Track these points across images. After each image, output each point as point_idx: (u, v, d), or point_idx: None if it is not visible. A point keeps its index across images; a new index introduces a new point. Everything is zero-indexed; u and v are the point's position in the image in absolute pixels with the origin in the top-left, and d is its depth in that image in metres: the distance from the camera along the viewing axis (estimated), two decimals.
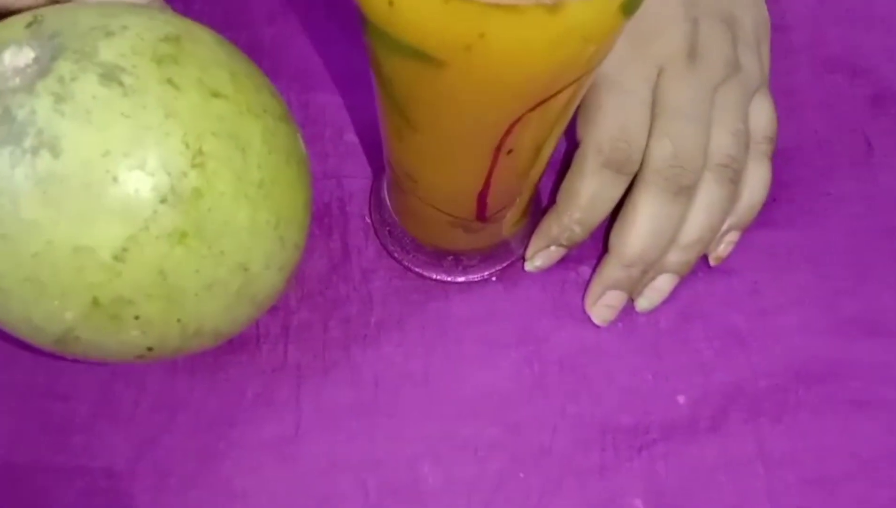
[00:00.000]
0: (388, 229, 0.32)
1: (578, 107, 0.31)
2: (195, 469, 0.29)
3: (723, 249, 0.32)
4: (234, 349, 0.30)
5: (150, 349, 0.25)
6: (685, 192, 0.30)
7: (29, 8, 0.25)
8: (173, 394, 0.30)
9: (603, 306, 0.31)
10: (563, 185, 0.30)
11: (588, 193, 0.30)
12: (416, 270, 0.32)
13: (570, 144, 0.34)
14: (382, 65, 0.22)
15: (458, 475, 0.29)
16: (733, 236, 0.32)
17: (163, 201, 0.22)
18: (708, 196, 0.30)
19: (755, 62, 0.33)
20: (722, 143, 0.31)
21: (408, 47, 0.19)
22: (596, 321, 0.31)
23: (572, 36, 0.18)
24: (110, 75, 0.22)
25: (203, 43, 0.24)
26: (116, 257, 0.22)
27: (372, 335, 0.31)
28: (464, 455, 0.30)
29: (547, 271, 0.32)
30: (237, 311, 0.25)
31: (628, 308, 0.32)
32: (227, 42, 0.26)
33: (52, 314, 0.23)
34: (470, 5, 0.17)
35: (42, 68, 0.22)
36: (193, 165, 0.22)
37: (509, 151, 0.23)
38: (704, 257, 0.33)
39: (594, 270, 0.32)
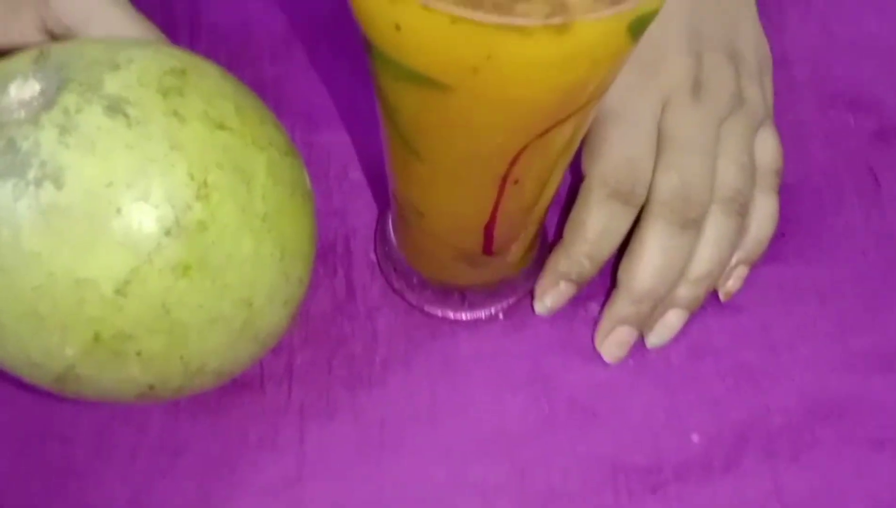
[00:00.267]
0: (393, 265, 0.32)
1: (583, 140, 0.31)
2: None
3: (732, 284, 0.32)
4: (236, 389, 0.30)
5: (151, 387, 0.24)
6: (693, 225, 0.29)
7: (36, 45, 0.25)
8: (174, 437, 0.29)
9: (613, 343, 0.31)
10: (569, 219, 0.30)
11: (596, 225, 0.29)
12: (422, 307, 0.31)
13: (576, 178, 0.33)
14: (388, 94, 0.21)
15: None
16: (742, 271, 0.32)
17: (167, 233, 0.22)
18: (716, 230, 0.30)
19: (759, 95, 0.33)
20: (728, 176, 0.30)
21: (414, 73, 0.19)
22: (606, 358, 0.31)
23: (581, 58, 0.18)
24: (115, 107, 0.22)
25: (208, 76, 0.24)
26: (119, 291, 0.22)
27: (377, 375, 0.31)
28: (472, 499, 0.29)
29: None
30: (240, 348, 0.25)
31: (638, 345, 0.31)
32: (232, 76, 0.26)
33: (51, 350, 0.22)
34: (478, 26, 0.17)
35: (47, 101, 0.22)
36: (198, 198, 0.22)
37: (516, 182, 0.23)
38: (714, 294, 0.32)
39: (603, 307, 0.32)
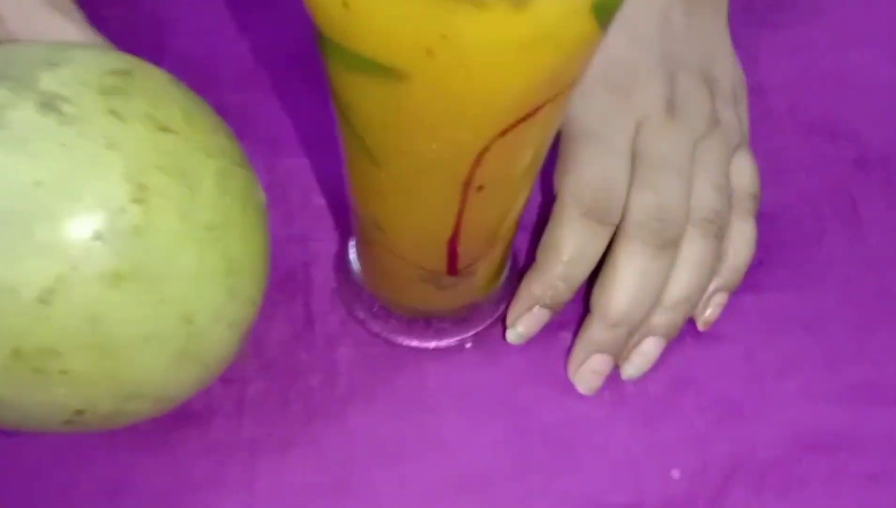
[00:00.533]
0: (355, 292, 0.30)
1: (555, 158, 0.29)
2: None
3: (711, 312, 0.30)
4: (181, 422, 0.28)
5: (79, 412, 0.22)
6: (669, 246, 0.28)
7: None
8: (113, 474, 0.27)
9: (588, 371, 0.29)
10: (542, 239, 0.29)
11: (570, 245, 0.28)
12: (386, 336, 0.29)
13: (546, 200, 0.32)
14: (342, 91, 0.20)
15: None
16: (721, 299, 0.30)
17: (97, 237, 0.20)
18: (693, 252, 0.29)
19: (734, 118, 0.32)
20: (705, 197, 0.29)
21: (366, 60, 0.18)
22: (581, 389, 0.29)
23: (543, 41, 0.17)
24: (49, 104, 0.20)
25: (156, 79, 0.23)
26: (42, 300, 0.20)
27: (336, 409, 0.29)
28: None
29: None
30: (181, 371, 0.23)
31: (615, 376, 0.29)
32: (184, 85, 0.24)
33: None
34: None
35: None
36: (134, 200, 0.20)
37: (480, 189, 0.22)
38: (693, 323, 0.31)
39: (575, 334, 0.30)
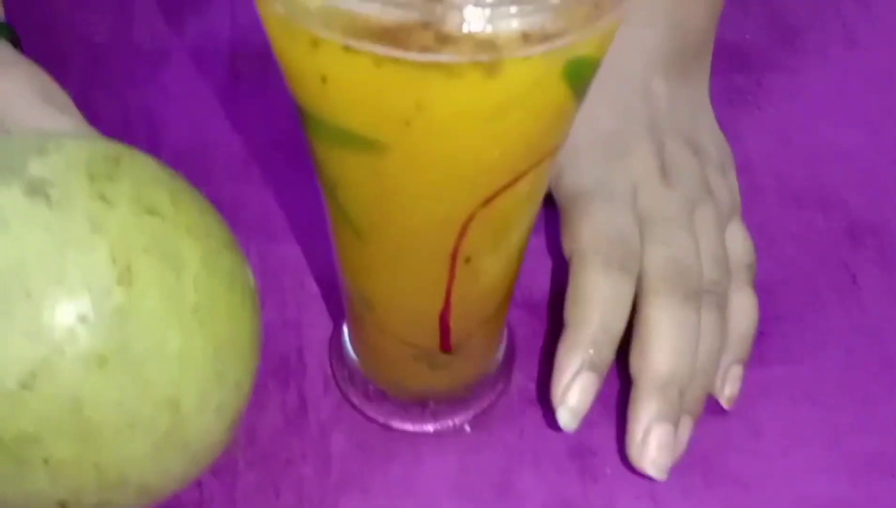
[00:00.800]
0: (349, 376, 0.29)
1: (560, 224, 0.29)
2: None
3: (731, 387, 0.29)
4: None
5: (62, 503, 0.21)
6: (694, 296, 0.27)
7: None
8: None
9: (654, 449, 0.26)
10: (568, 299, 0.27)
11: (600, 295, 0.26)
12: (381, 420, 0.29)
13: (541, 279, 0.32)
14: (326, 165, 0.20)
15: None
16: (737, 372, 0.29)
17: (82, 320, 0.20)
18: (700, 322, 0.28)
19: (725, 188, 0.32)
20: (704, 267, 0.29)
21: (346, 132, 0.18)
22: (652, 472, 0.26)
23: (516, 106, 0.17)
24: (36, 188, 0.21)
25: (144, 164, 0.23)
26: (24, 385, 0.19)
27: (330, 499, 0.28)
28: None
29: (525, 416, 0.29)
30: (167, 459, 0.22)
31: (610, 452, 0.28)
32: (172, 170, 0.25)
33: None
34: (403, 68, 0.16)
35: None
36: (119, 282, 0.20)
37: (467, 260, 0.22)
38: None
39: None
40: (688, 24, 0.35)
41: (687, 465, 0.28)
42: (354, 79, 0.17)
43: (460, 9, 0.15)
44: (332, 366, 0.30)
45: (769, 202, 0.37)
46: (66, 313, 0.20)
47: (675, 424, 0.26)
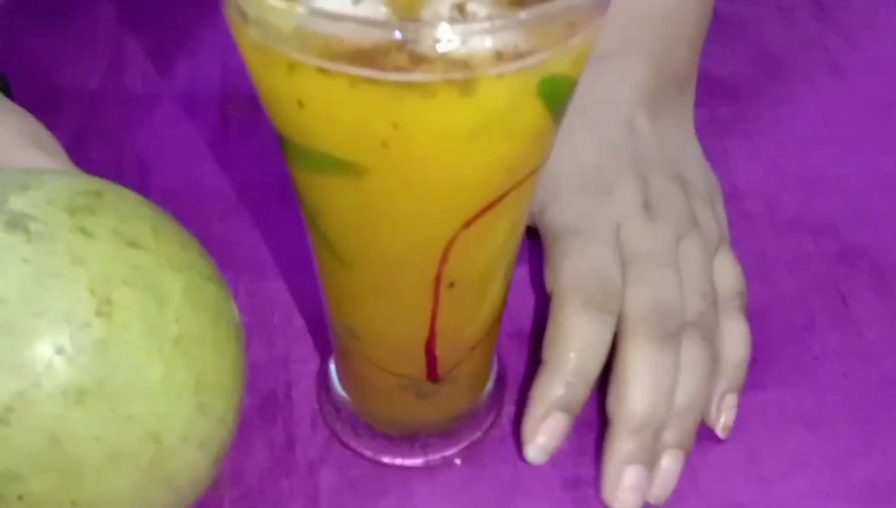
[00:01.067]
0: (336, 411, 0.29)
1: (544, 260, 0.29)
2: None
3: (726, 417, 0.29)
4: None
5: None
6: (673, 338, 0.27)
7: None
8: None
9: (625, 490, 0.26)
10: (546, 338, 0.27)
11: (578, 335, 0.27)
12: (370, 455, 0.28)
13: (530, 309, 0.32)
14: (308, 193, 0.20)
15: None
16: (732, 401, 0.29)
17: (59, 352, 0.20)
18: (687, 357, 0.28)
19: (712, 218, 0.32)
20: (690, 300, 0.29)
21: (325, 156, 0.18)
22: None
23: (492, 126, 0.17)
24: (16, 222, 0.20)
25: (126, 198, 0.23)
26: (0, 419, 0.19)
27: None
28: None
29: (517, 448, 0.29)
30: (150, 495, 0.22)
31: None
32: (156, 205, 0.25)
33: None
34: (379, 88, 0.16)
35: None
36: (99, 314, 0.20)
37: (451, 285, 0.21)
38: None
39: (569, 442, 0.29)
40: (670, 58, 0.36)
41: (684, 492, 0.28)
42: (331, 101, 0.17)
43: (434, 27, 0.15)
44: (319, 401, 0.30)
45: (760, 229, 0.37)
46: (44, 346, 0.19)
47: (649, 465, 0.27)
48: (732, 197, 0.36)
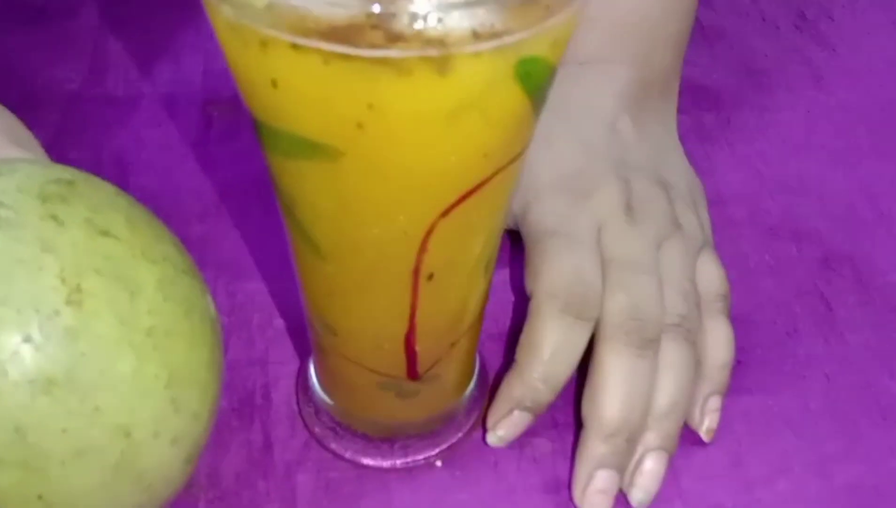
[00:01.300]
0: (315, 412, 0.28)
1: (525, 262, 0.29)
2: None
3: (710, 420, 0.29)
4: None
5: None
6: (650, 345, 0.27)
7: None
8: None
9: (594, 493, 0.26)
10: (521, 340, 0.28)
11: (549, 342, 0.27)
12: (348, 456, 0.28)
13: (516, 309, 0.32)
14: (284, 181, 0.20)
15: None
16: (715, 403, 0.29)
17: (26, 340, 0.19)
18: (669, 358, 0.28)
19: (694, 220, 0.32)
20: (671, 302, 0.29)
21: (300, 140, 0.18)
22: None
23: (469, 110, 0.17)
24: None
25: (100, 189, 0.23)
26: None
27: None
28: None
29: (499, 449, 0.28)
30: (119, 491, 0.21)
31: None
32: (132, 198, 0.24)
33: None
34: (352, 65, 0.16)
35: None
36: (68, 303, 0.20)
37: (430, 277, 0.21)
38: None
39: (552, 443, 0.28)
40: (653, 62, 0.36)
41: (667, 496, 0.28)
42: (304, 80, 0.16)
43: (410, 2, 0.15)
44: (298, 403, 0.29)
45: (743, 234, 0.37)
46: (11, 334, 0.19)
47: (620, 470, 0.27)
48: (716, 203, 0.36)
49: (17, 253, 0.20)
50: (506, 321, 0.32)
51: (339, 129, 0.17)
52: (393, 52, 0.15)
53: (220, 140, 0.39)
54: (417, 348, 0.24)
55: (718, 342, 0.30)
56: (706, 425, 0.29)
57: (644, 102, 0.35)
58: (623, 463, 0.27)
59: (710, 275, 0.31)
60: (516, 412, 0.27)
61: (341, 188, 0.19)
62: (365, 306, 0.22)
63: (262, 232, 0.35)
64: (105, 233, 0.21)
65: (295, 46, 0.16)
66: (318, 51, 0.16)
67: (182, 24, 0.44)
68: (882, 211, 0.38)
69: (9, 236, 0.20)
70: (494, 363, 0.31)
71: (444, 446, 0.28)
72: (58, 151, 0.32)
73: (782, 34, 0.47)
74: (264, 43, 0.16)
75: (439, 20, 0.15)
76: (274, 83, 0.17)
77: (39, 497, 0.20)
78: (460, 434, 0.28)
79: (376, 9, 0.15)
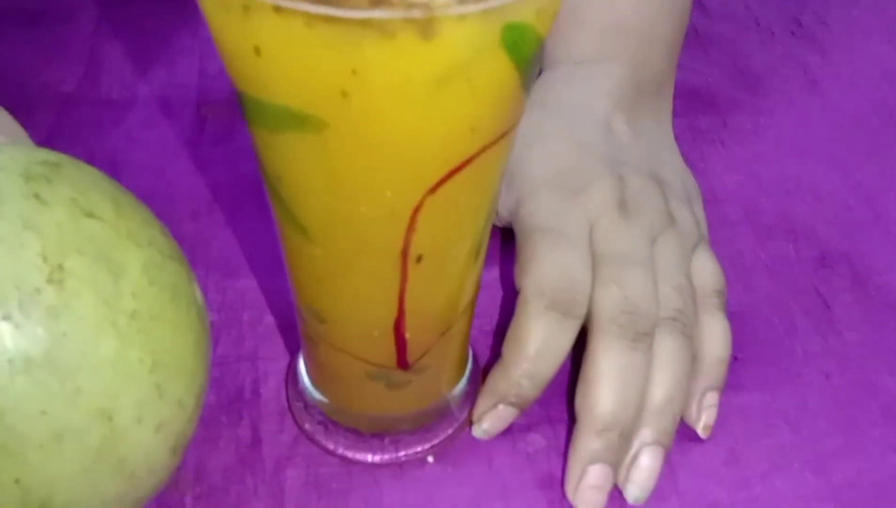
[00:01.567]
0: (305, 407, 0.28)
1: (516, 257, 0.29)
2: None
3: (707, 416, 0.28)
4: None
5: None
6: (644, 339, 0.27)
7: None
8: None
9: (588, 489, 0.26)
10: (507, 335, 0.27)
11: (535, 339, 0.26)
12: (339, 452, 0.27)
13: (507, 304, 0.31)
14: (268, 157, 0.20)
15: None
16: (712, 399, 0.28)
17: (5, 317, 0.19)
18: (665, 351, 0.27)
19: (689, 216, 0.31)
20: (666, 296, 0.28)
21: (284, 111, 0.18)
22: None
23: (454, 78, 0.17)
24: None
25: (86, 172, 0.23)
26: None
27: None
28: None
29: (492, 444, 0.28)
30: (100, 479, 0.21)
31: None
32: (120, 184, 0.24)
33: None
34: (336, 26, 0.15)
35: None
36: (50, 281, 0.19)
37: (419, 259, 0.21)
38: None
39: (546, 438, 0.28)
40: (647, 62, 0.36)
41: (664, 492, 0.27)
42: (288, 45, 0.16)
43: None
44: (288, 398, 0.29)
45: (739, 234, 0.36)
46: None
47: (613, 464, 0.26)
48: (711, 203, 0.36)
49: None
50: (498, 316, 0.32)
51: (324, 98, 0.17)
52: (376, 13, 0.15)
53: (214, 141, 0.39)
54: (407, 335, 0.23)
55: (715, 337, 0.29)
56: (703, 421, 0.28)
57: (639, 102, 0.35)
58: (617, 458, 0.26)
59: (706, 271, 0.31)
60: (501, 406, 0.27)
61: (327, 162, 0.18)
62: (353, 290, 0.22)
63: (254, 231, 0.35)
64: (90, 214, 0.21)
65: (277, 9, 0.16)
66: (301, 13, 0.15)
67: (178, 28, 0.45)
68: (878, 212, 0.37)
69: None
70: (486, 359, 0.30)
71: (435, 441, 0.27)
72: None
73: (777, 40, 0.47)
74: (247, 7, 0.16)
75: None
76: (257, 50, 0.17)
77: (16, 482, 0.19)
78: (452, 430, 0.28)
79: None
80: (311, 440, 0.28)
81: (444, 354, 0.25)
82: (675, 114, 0.38)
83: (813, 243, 0.36)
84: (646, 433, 0.27)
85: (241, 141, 0.39)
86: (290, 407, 0.29)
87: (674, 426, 0.27)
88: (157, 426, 0.22)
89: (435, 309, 0.23)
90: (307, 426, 0.28)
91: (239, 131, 0.39)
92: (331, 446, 0.27)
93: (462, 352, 0.27)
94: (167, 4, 0.46)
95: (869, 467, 0.28)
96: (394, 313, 0.22)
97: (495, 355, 0.31)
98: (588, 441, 0.26)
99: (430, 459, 0.27)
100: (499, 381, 0.27)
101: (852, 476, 0.28)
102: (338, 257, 0.21)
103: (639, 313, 0.27)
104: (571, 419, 0.28)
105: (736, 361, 0.30)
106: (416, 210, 0.19)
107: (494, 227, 0.33)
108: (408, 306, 0.22)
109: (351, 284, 0.22)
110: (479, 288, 0.25)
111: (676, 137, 0.37)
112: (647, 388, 0.27)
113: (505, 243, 0.34)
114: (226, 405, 0.29)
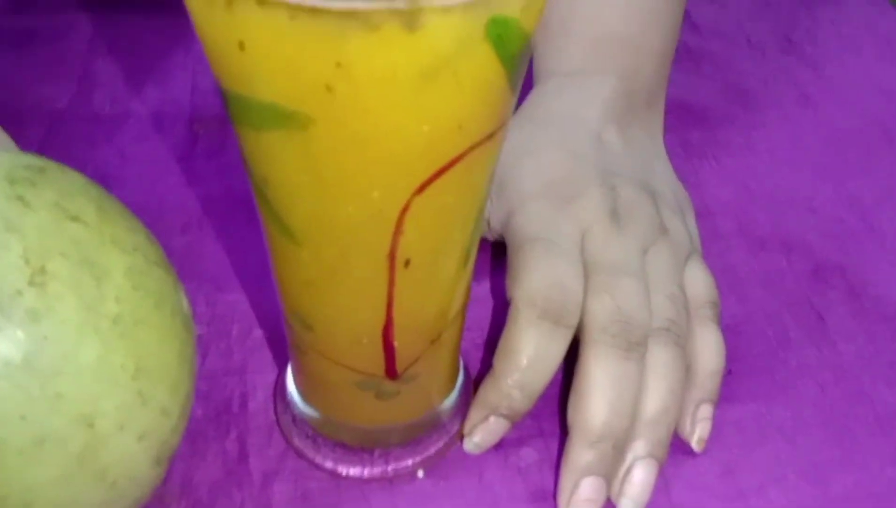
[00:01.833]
0: (293, 421, 0.27)
1: (507, 267, 0.28)
2: None
3: (701, 428, 0.28)
4: None
5: None
6: (636, 348, 0.26)
7: None
8: None
9: (581, 502, 0.25)
10: (499, 346, 0.27)
11: (527, 349, 0.26)
12: (327, 466, 0.27)
13: (498, 316, 0.31)
14: (254, 158, 0.20)
15: None
16: (706, 412, 0.28)
17: None
18: (658, 362, 0.27)
19: (682, 227, 0.31)
20: (659, 306, 0.28)
21: (269, 107, 0.17)
22: None
23: (439, 70, 0.17)
24: None
25: (72, 177, 0.22)
26: None
27: None
28: None
29: (483, 458, 0.27)
30: (81, 487, 0.20)
31: None
32: (106, 191, 0.24)
33: None
34: (319, 18, 0.15)
35: None
36: (32, 284, 0.19)
37: (407, 263, 0.21)
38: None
39: (538, 452, 0.27)
40: (638, 73, 0.36)
41: (657, 506, 0.26)
42: (272, 38, 0.16)
43: None
44: (276, 412, 0.28)
45: (732, 246, 0.36)
46: None
47: (606, 476, 0.26)
48: (704, 215, 0.36)
49: None
50: (490, 329, 0.32)
51: (309, 93, 0.17)
52: (360, 4, 0.15)
53: (205, 156, 0.39)
54: (395, 342, 0.23)
55: (709, 348, 0.29)
56: (697, 434, 0.28)
57: (630, 113, 0.35)
58: (610, 470, 0.26)
59: (699, 282, 0.30)
60: (492, 419, 0.27)
61: (313, 161, 0.18)
62: (340, 295, 0.22)
63: (244, 245, 0.35)
64: (74, 218, 0.21)
65: (261, 1, 0.15)
66: (285, 5, 0.15)
67: (171, 45, 0.45)
68: (871, 224, 0.37)
69: None
70: (478, 371, 0.30)
71: (426, 455, 0.27)
72: None
73: (768, 56, 0.48)
74: (230, 0, 0.16)
75: None
76: (241, 45, 0.17)
77: None
78: (442, 443, 0.27)
79: None
80: (300, 454, 0.27)
81: (433, 363, 0.25)
82: (668, 129, 0.38)
83: (806, 256, 0.36)
84: (639, 446, 0.26)
85: (233, 156, 0.39)
86: (278, 421, 0.28)
87: (668, 438, 0.27)
88: (139, 434, 0.21)
89: (424, 316, 0.23)
90: (295, 439, 0.27)
91: (230, 147, 0.39)
92: (319, 460, 0.27)
93: (452, 363, 0.27)
94: (160, 21, 0.46)
95: (865, 478, 0.28)
96: (382, 320, 0.22)
97: (487, 367, 0.30)
98: (581, 453, 0.26)
99: (421, 473, 0.27)
100: (490, 392, 0.27)
101: (849, 487, 0.27)
102: (325, 261, 0.21)
103: (631, 323, 0.27)
104: (563, 433, 0.28)
105: (730, 373, 0.30)
106: (404, 211, 0.19)
107: (486, 241, 0.33)
108: (396, 311, 0.22)
109: (338, 289, 0.22)
110: (468, 297, 0.25)
111: (669, 152, 0.37)
112: (641, 398, 0.26)
113: (496, 256, 0.34)
114: (213, 418, 0.28)
